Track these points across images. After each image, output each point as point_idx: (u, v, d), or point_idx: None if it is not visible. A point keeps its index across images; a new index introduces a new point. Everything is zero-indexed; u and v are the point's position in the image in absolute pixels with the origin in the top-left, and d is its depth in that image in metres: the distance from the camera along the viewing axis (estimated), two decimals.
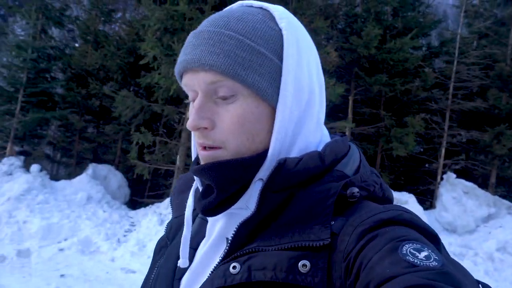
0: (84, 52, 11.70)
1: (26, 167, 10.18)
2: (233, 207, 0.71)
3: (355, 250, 0.58)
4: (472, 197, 10.35)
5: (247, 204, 0.71)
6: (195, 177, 0.78)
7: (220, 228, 0.73)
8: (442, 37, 13.78)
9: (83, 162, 11.79)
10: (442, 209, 10.26)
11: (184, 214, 0.81)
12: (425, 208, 10.38)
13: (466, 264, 8.26)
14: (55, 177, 10.34)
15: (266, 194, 0.66)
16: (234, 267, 0.64)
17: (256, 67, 0.68)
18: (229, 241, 0.68)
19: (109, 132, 11.84)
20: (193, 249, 0.78)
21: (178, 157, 9.84)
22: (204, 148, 0.71)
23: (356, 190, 0.66)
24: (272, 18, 0.72)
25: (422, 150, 12.75)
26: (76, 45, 13.10)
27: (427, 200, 11.37)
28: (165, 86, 9.02)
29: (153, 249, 0.89)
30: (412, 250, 0.54)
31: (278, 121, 0.69)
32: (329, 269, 0.60)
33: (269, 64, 0.69)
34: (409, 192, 10.05)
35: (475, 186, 10.66)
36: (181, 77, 0.73)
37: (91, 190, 9.91)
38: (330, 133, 0.81)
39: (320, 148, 0.73)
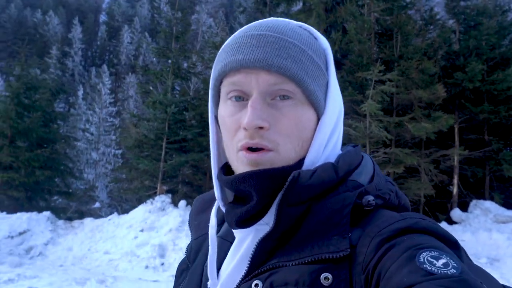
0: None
1: (174, 203, 12.12)
2: (262, 220, 0.70)
3: (373, 261, 0.58)
4: None
5: (267, 221, 0.69)
6: (216, 193, 0.77)
7: (246, 247, 0.71)
8: None
9: None
10: None
11: (202, 235, 0.82)
12: None
13: None
14: None
15: (283, 208, 0.65)
16: (256, 285, 0.64)
17: (315, 78, 0.71)
18: (249, 259, 0.68)
19: None
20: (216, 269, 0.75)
21: None
22: (250, 150, 0.69)
23: (371, 198, 0.67)
24: (315, 37, 0.76)
25: None
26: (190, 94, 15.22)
27: None
28: None
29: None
30: (429, 258, 0.53)
31: (322, 132, 0.71)
32: (350, 280, 0.59)
33: (323, 77, 0.73)
34: None
35: None
36: (223, 76, 0.71)
37: None
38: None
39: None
